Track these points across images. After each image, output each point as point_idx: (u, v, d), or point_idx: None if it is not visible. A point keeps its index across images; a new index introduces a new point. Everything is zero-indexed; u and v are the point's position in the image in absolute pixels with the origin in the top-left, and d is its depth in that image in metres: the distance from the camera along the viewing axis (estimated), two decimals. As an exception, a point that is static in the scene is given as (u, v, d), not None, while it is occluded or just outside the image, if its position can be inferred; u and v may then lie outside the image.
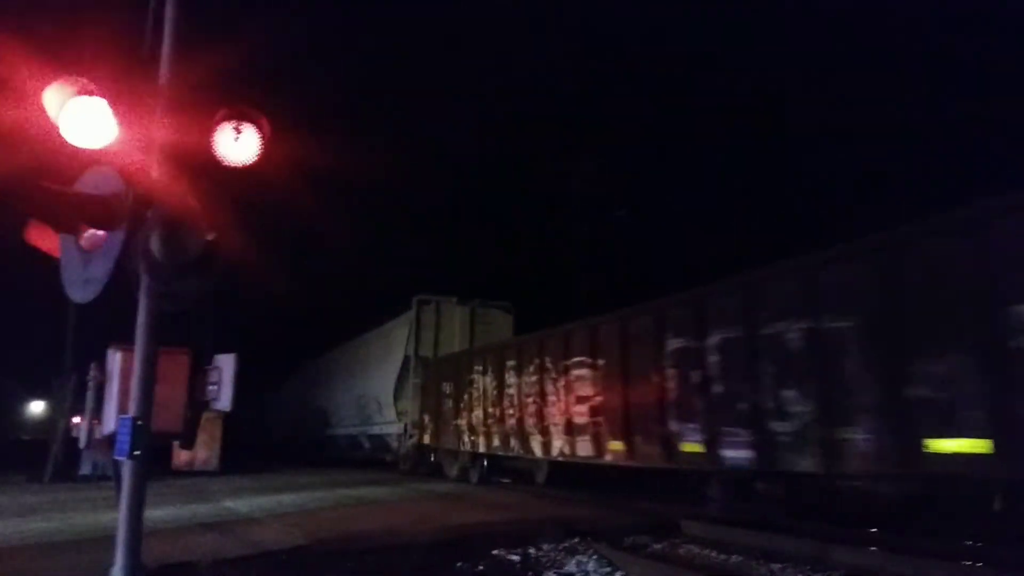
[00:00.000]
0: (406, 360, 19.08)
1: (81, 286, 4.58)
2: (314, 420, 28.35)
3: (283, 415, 34.03)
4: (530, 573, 6.85)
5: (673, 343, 9.67)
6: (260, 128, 4.11)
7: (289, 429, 32.95)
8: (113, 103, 3.94)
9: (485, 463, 15.55)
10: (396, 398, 19.30)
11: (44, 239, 4.82)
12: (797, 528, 8.06)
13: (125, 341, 4.87)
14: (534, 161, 31.78)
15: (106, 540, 5.26)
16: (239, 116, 4.07)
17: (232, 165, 4.12)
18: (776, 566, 6.97)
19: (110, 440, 4.85)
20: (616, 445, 10.57)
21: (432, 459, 18.16)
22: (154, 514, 8.69)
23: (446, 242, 36.15)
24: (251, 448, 30.01)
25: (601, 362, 11.15)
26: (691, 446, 9.18)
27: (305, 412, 29.80)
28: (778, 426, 7.90)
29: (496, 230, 34.32)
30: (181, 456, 18.00)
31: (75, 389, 15.47)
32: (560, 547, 7.70)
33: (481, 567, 6.97)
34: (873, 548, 7.15)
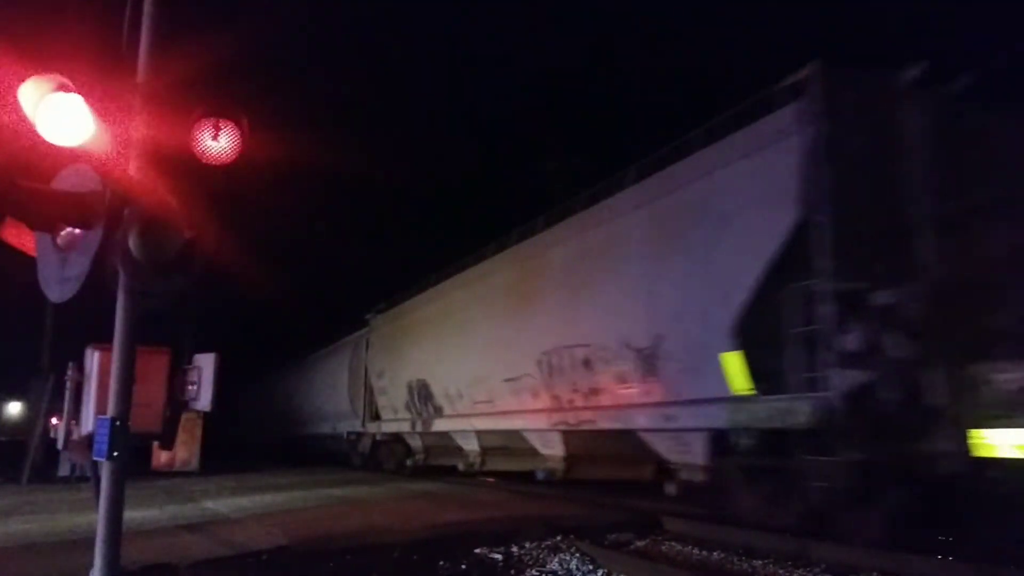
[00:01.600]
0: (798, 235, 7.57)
1: (58, 285, 4.53)
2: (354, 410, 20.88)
3: (283, 409, 28.97)
4: (512, 571, 6.85)
5: None
6: (239, 125, 4.09)
7: (291, 426, 27.72)
8: (90, 99, 3.90)
9: None
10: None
11: (20, 237, 4.76)
12: (777, 524, 8.11)
13: (103, 340, 4.83)
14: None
15: (85, 542, 5.22)
16: (218, 113, 4.05)
17: (211, 162, 4.10)
18: (757, 562, 7.02)
19: (88, 441, 4.81)
20: None
21: None
22: (134, 515, 8.61)
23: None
24: (234, 448, 29.66)
25: None
26: None
27: (338, 398, 22.15)
28: None
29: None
30: (161, 457, 17.87)
31: (53, 389, 15.30)
32: (543, 545, 7.71)
33: (463, 566, 6.96)
34: (852, 544, 7.21)
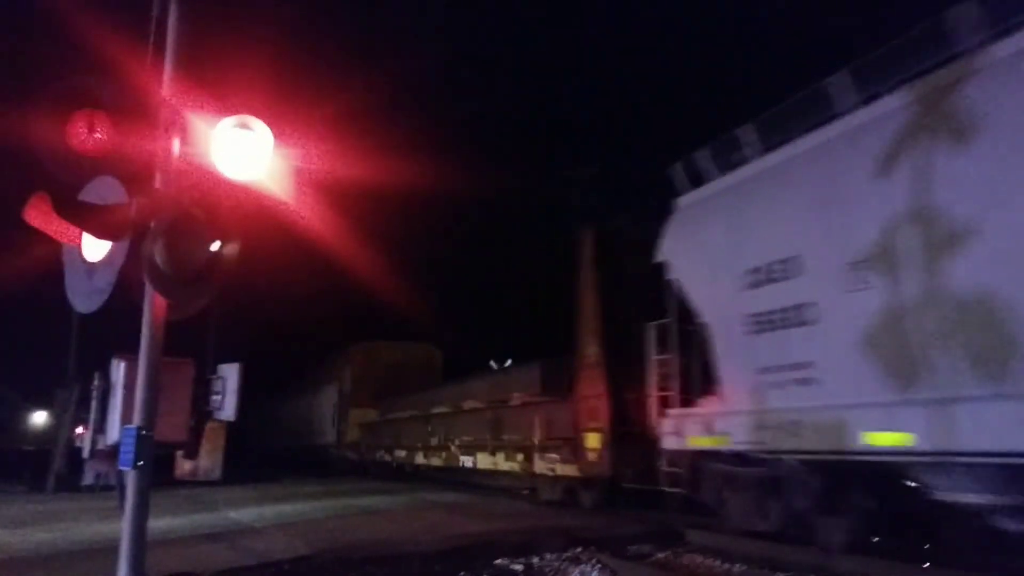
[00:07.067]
0: None
1: (85, 296, 4.60)
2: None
3: (287, 421, 29.68)
4: (533, 582, 6.84)
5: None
6: (263, 138, 4.13)
7: (292, 436, 28.57)
8: (116, 113, 3.97)
9: None
10: None
11: (47, 221, 4.71)
12: (800, 537, 8.04)
13: (129, 351, 4.89)
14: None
15: (110, 550, 5.26)
16: (242, 126, 4.10)
17: (235, 175, 4.15)
18: (780, 575, 6.95)
19: (114, 450, 4.87)
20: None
21: None
22: (157, 524, 8.68)
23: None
24: (251, 457, 29.81)
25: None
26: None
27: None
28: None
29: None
30: (184, 466, 18.00)
31: (78, 399, 15.47)
32: (563, 556, 7.68)
33: (484, 576, 6.96)
34: (876, 557, 7.14)
